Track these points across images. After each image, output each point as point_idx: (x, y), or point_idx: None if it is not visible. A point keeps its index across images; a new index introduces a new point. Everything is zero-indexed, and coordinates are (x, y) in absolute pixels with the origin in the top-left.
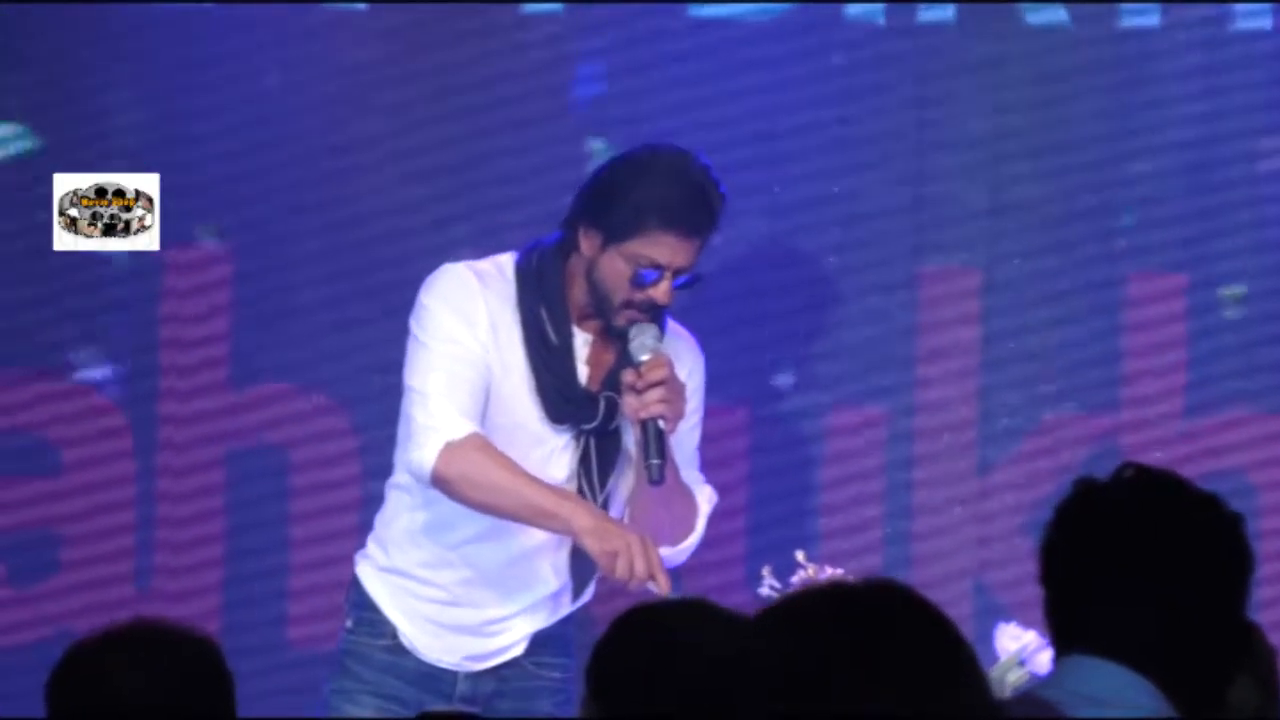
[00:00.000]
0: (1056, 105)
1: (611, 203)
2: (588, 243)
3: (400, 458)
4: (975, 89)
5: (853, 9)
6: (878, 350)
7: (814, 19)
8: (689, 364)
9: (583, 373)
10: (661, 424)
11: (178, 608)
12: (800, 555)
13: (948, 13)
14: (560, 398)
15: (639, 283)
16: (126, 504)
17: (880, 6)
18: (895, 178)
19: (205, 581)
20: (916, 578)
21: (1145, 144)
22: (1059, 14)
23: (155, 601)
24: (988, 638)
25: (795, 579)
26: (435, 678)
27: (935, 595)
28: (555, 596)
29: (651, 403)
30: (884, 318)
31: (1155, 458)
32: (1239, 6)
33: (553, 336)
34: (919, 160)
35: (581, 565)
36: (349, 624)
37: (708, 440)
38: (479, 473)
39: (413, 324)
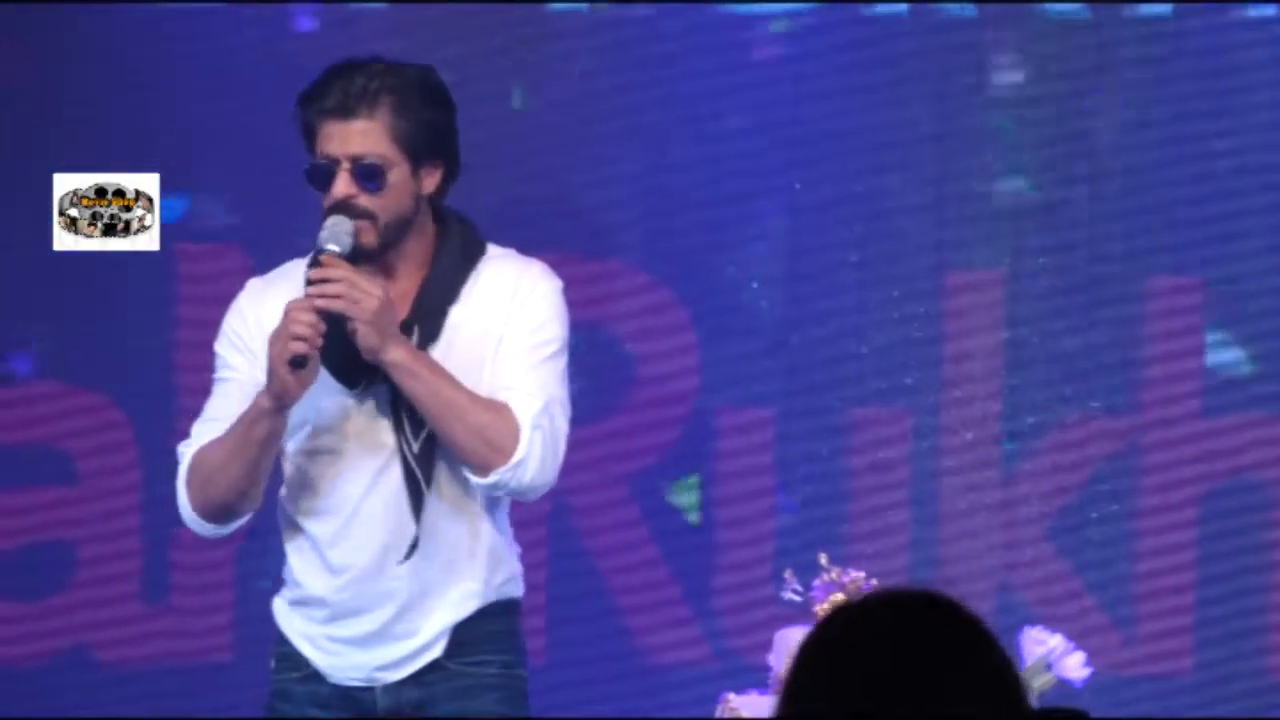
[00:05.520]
0: (1080, 101)
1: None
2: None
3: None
4: (999, 84)
5: (877, 4)
6: (902, 351)
7: (838, 15)
8: (521, 287)
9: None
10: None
11: (190, 621)
12: (823, 558)
13: (971, 9)
14: (340, 356)
15: (323, 187)
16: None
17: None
18: (918, 176)
19: (218, 599)
20: (942, 580)
21: (1169, 146)
22: (1080, 10)
23: (167, 615)
24: (1013, 641)
25: (818, 582)
26: (353, 699)
27: (960, 597)
28: (446, 569)
29: (329, 295)
30: (907, 318)
31: (1174, 458)
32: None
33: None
34: (942, 159)
35: (417, 501)
36: (273, 664)
37: (731, 439)
38: (200, 466)
39: None
